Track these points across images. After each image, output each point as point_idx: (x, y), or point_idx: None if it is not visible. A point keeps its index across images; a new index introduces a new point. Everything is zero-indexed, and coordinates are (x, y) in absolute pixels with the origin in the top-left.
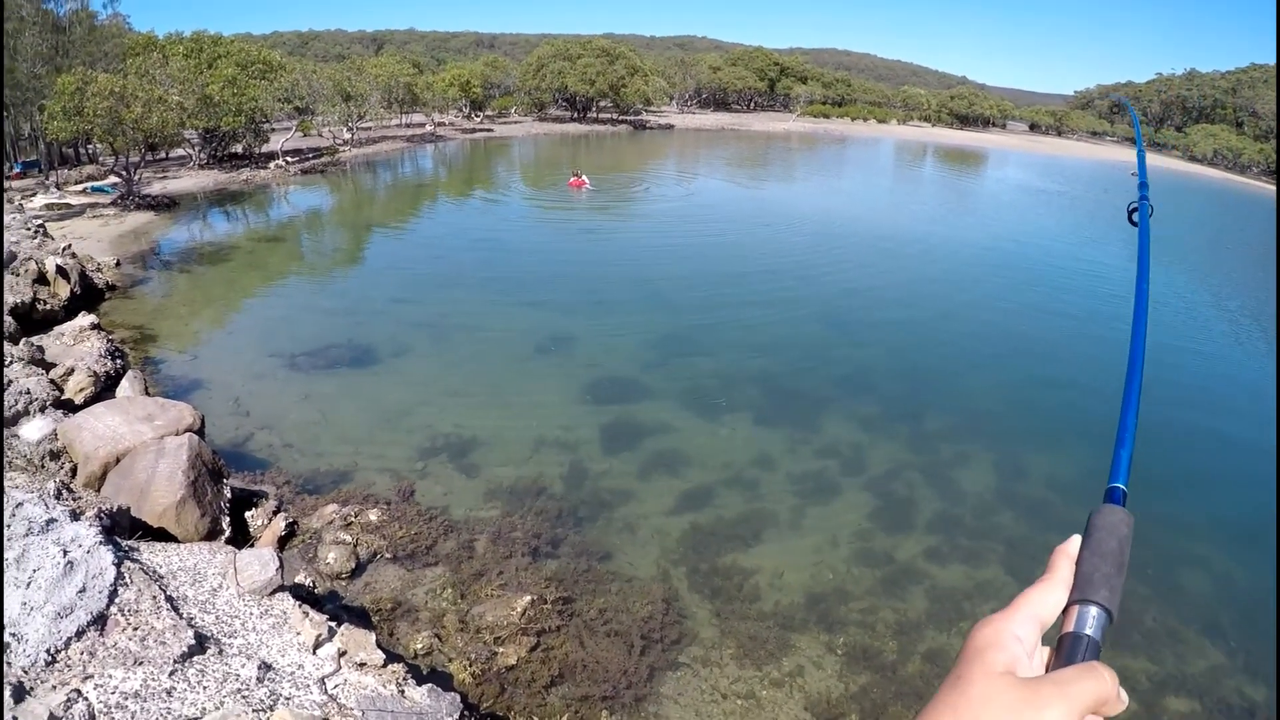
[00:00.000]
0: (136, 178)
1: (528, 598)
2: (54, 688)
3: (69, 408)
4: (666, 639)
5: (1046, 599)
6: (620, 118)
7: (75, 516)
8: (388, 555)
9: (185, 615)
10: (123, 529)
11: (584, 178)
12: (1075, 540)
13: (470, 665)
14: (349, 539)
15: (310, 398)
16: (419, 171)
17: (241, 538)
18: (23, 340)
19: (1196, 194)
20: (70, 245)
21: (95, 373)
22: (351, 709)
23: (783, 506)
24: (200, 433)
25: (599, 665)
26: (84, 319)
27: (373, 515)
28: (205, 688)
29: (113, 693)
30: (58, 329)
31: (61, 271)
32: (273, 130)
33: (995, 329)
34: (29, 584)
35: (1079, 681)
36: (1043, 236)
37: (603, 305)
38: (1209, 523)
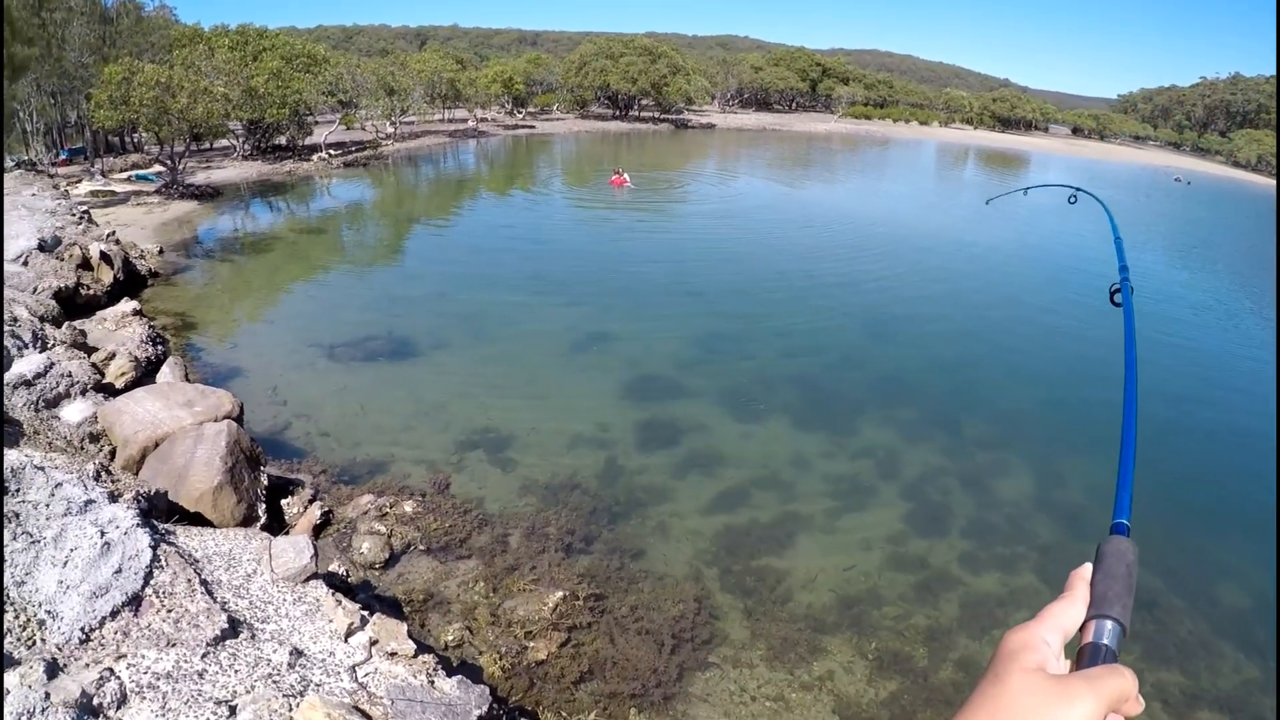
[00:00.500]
0: (181, 167)
1: (560, 593)
2: (87, 665)
3: (110, 391)
4: (697, 638)
5: (1068, 612)
6: (662, 116)
7: (113, 498)
8: (421, 547)
9: (219, 599)
10: (160, 512)
11: (625, 176)
12: (1087, 566)
13: (500, 659)
14: (383, 529)
15: (348, 388)
16: (461, 166)
17: (277, 525)
18: (65, 324)
19: (1239, 200)
20: (114, 232)
21: (136, 358)
22: (381, 697)
23: (818, 509)
24: (239, 420)
25: (629, 663)
26: (126, 305)
27: (408, 507)
28: (237, 671)
29: (145, 673)
30: (100, 314)
31: (105, 257)
32: (316, 123)
33: (1036, 337)
34: (66, 563)
35: (1106, 678)
36: (1083, 242)
37: (642, 304)
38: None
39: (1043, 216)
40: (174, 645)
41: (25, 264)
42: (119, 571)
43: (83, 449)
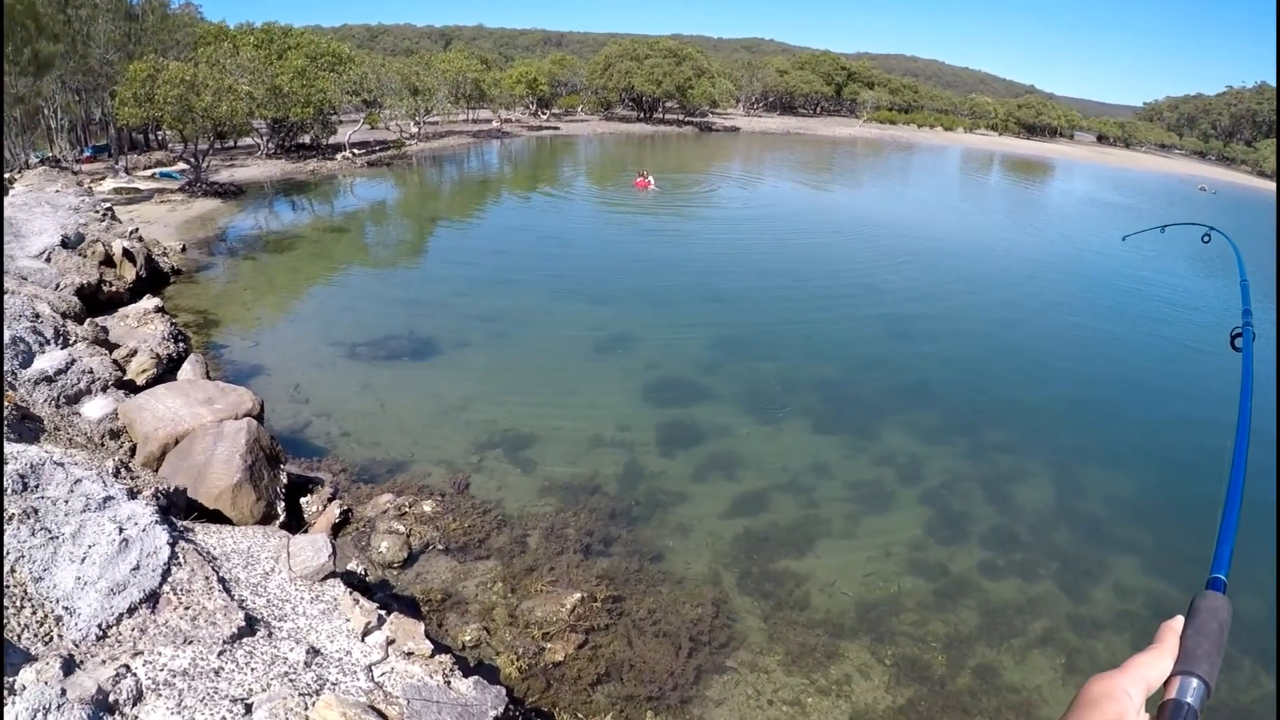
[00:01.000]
0: (205, 165)
1: (578, 595)
2: (103, 662)
3: (131, 388)
4: (715, 642)
5: (1155, 665)
6: (686, 119)
7: (132, 495)
8: (440, 547)
9: (236, 597)
10: (179, 509)
11: (650, 179)
12: (1179, 619)
13: (517, 659)
14: (402, 529)
15: (369, 387)
16: (484, 167)
17: (296, 523)
18: (88, 320)
19: (1262, 209)
20: (137, 229)
21: (158, 355)
22: (397, 697)
23: (837, 514)
24: (259, 418)
25: (646, 665)
26: (148, 302)
27: (427, 506)
28: (253, 669)
29: (161, 670)
30: (122, 310)
31: (128, 254)
32: (340, 122)
33: (1060, 344)
34: (84, 559)
35: None
36: (1110, 250)
37: (665, 306)
38: None
39: (1069, 223)
40: (191, 643)
41: (48, 260)
42: (137, 568)
43: (103, 445)
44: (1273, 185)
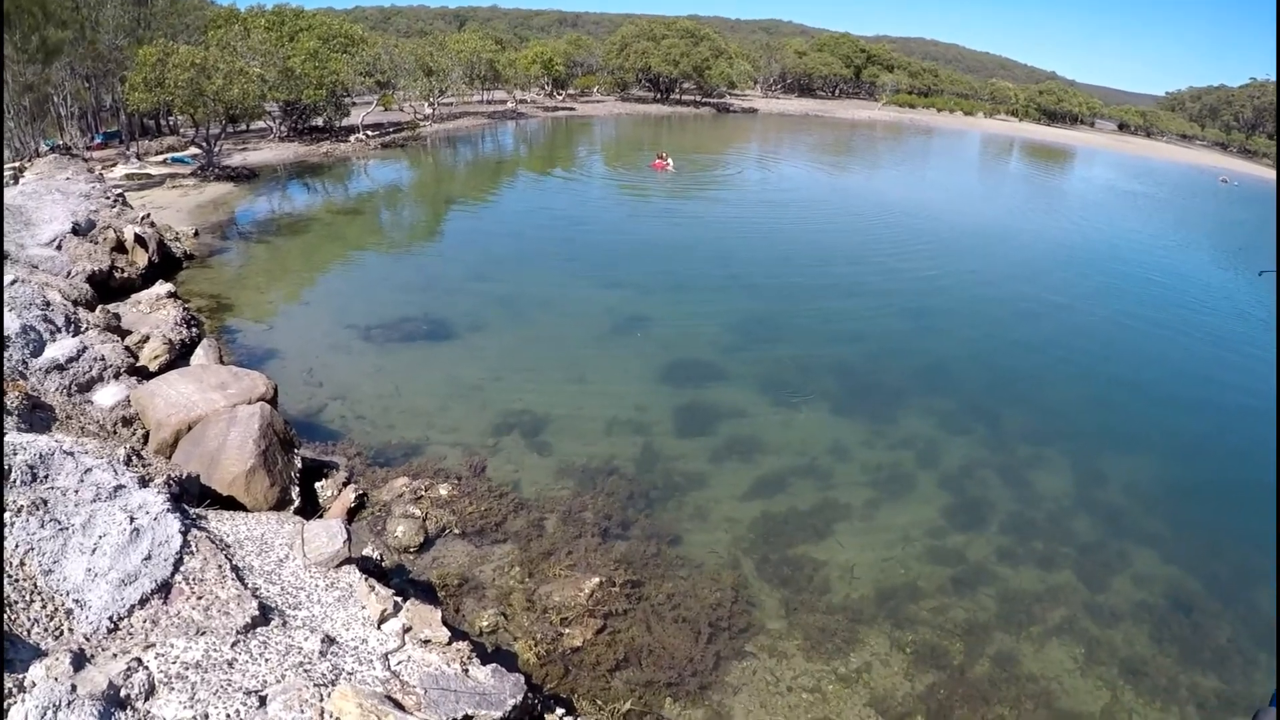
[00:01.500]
0: (216, 149)
1: (596, 579)
2: (114, 656)
3: (143, 374)
4: (734, 627)
5: None
6: (703, 100)
7: (144, 483)
8: (456, 531)
9: (250, 585)
10: (192, 496)
11: (668, 160)
12: None
13: (535, 645)
14: (418, 513)
15: (384, 370)
16: (499, 148)
17: (311, 508)
18: (99, 307)
19: None
20: (149, 214)
21: (170, 340)
22: (414, 686)
23: (856, 499)
24: (273, 402)
25: (665, 651)
26: (161, 287)
27: (443, 490)
28: (267, 660)
29: (174, 662)
30: (135, 296)
31: (140, 240)
32: (354, 104)
33: (1079, 331)
34: (94, 550)
35: None
36: (1131, 239)
37: (682, 288)
38: None
39: (1092, 210)
40: (204, 634)
41: (59, 248)
42: (148, 558)
43: (115, 433)
44: None
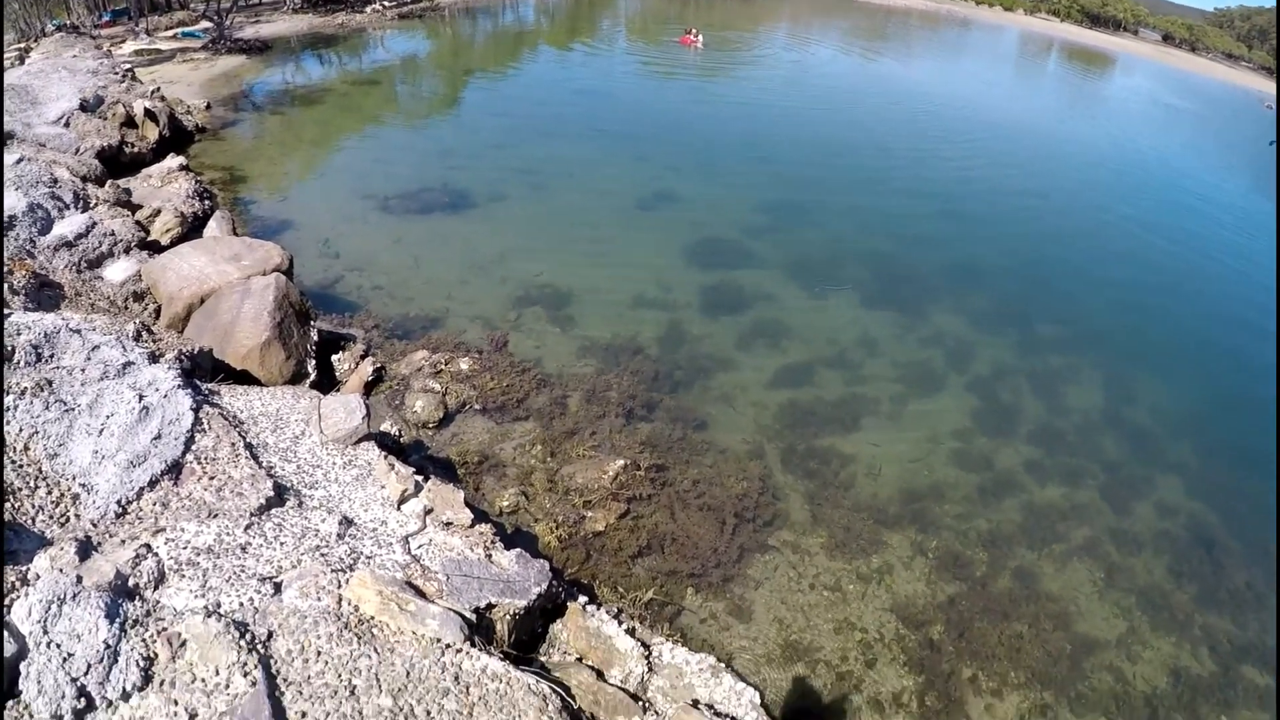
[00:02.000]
0: (228, 22)
1: (620, 462)
2: (122, 542)
3: (155, 249)
4: (759, 519)
5: None
6: None
7: (154, 359)
8: (477, 406)
9: (264, 464)
10: (204, 371)
11: (697, 36)
12: None
13: (557, 528)
14: (438, 387)
15: (402, 241)
16: (520, 20)
17: (327, 382)
18: (109, 182)
19: None
20: (159, 89)
21: (182, 214)
22: (435, 572)
23: (884, 394)
24: (288, 273)
25: (689, 540)
26: (172, 160)
27: (463, 364)
28: (282, 543)
29: (184, 548)
30: (146, 170)
31: (150, 114)
32: None
33: (1117, 242)
34: (101, 431)
35: None
36: (1173, 154)
37: (710, 167)
38: None
39: (1136, 123)
40: (216, 516)
41: (67, 125)
42: (158, 438)
43: (126, 309)
44: None
